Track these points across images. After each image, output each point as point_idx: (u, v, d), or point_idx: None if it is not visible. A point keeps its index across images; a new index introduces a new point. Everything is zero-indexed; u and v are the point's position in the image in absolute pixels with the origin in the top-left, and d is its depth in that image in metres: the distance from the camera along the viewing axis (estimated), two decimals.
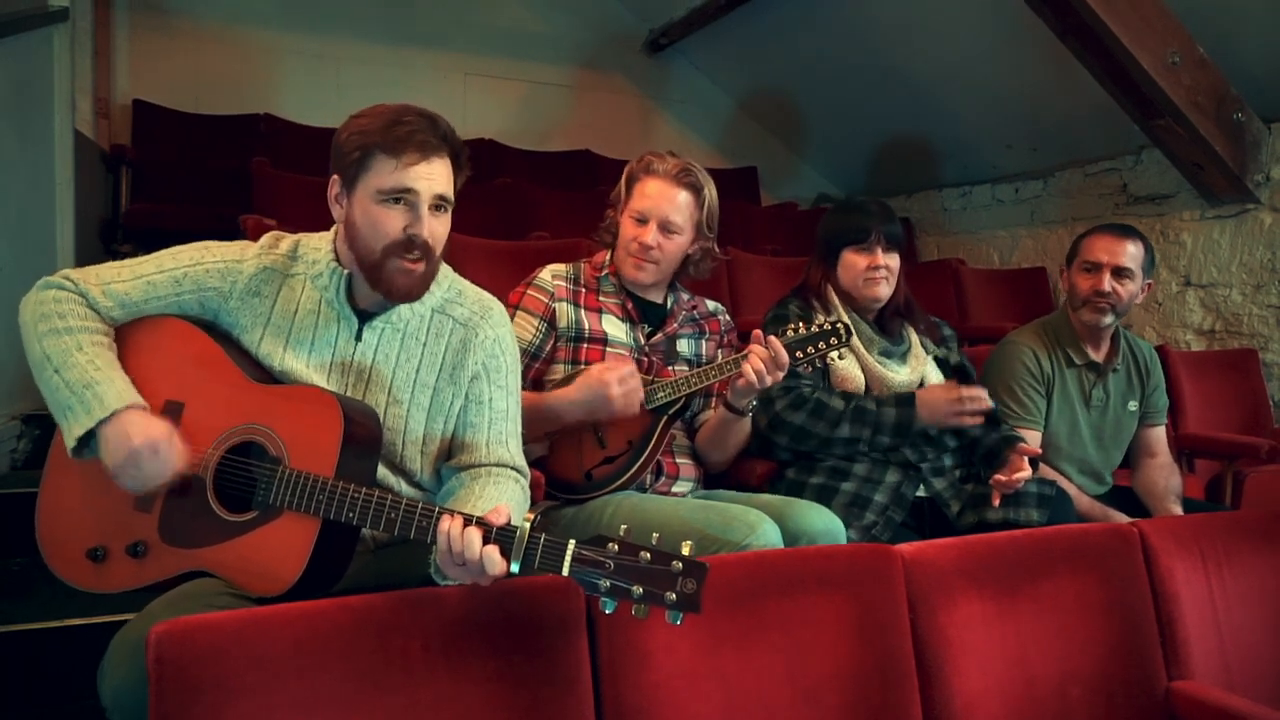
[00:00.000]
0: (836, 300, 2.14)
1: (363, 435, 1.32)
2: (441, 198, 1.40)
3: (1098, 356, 2.36)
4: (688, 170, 1.93)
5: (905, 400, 2.01)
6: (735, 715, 1.34)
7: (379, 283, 1.40)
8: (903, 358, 2.15)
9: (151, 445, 1.27)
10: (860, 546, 1.58)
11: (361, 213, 1.39)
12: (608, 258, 2.03)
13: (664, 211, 1.91)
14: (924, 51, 4.48)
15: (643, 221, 1.92)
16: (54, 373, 1.31)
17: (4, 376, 2.79)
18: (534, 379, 1.93)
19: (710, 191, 1.97)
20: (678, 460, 1.97)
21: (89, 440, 1.30)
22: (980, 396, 1.97)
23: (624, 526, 1.14)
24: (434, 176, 1.38)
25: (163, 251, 1.45)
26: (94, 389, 1.29)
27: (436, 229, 1.41)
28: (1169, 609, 1.67)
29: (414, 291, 1.42)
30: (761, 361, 1.74)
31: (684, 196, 1.92)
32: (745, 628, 1.37)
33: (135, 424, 1.28)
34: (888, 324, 2.17)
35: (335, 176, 1.42)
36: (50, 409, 1.33)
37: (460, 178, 1.45)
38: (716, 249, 2.05)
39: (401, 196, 1.37)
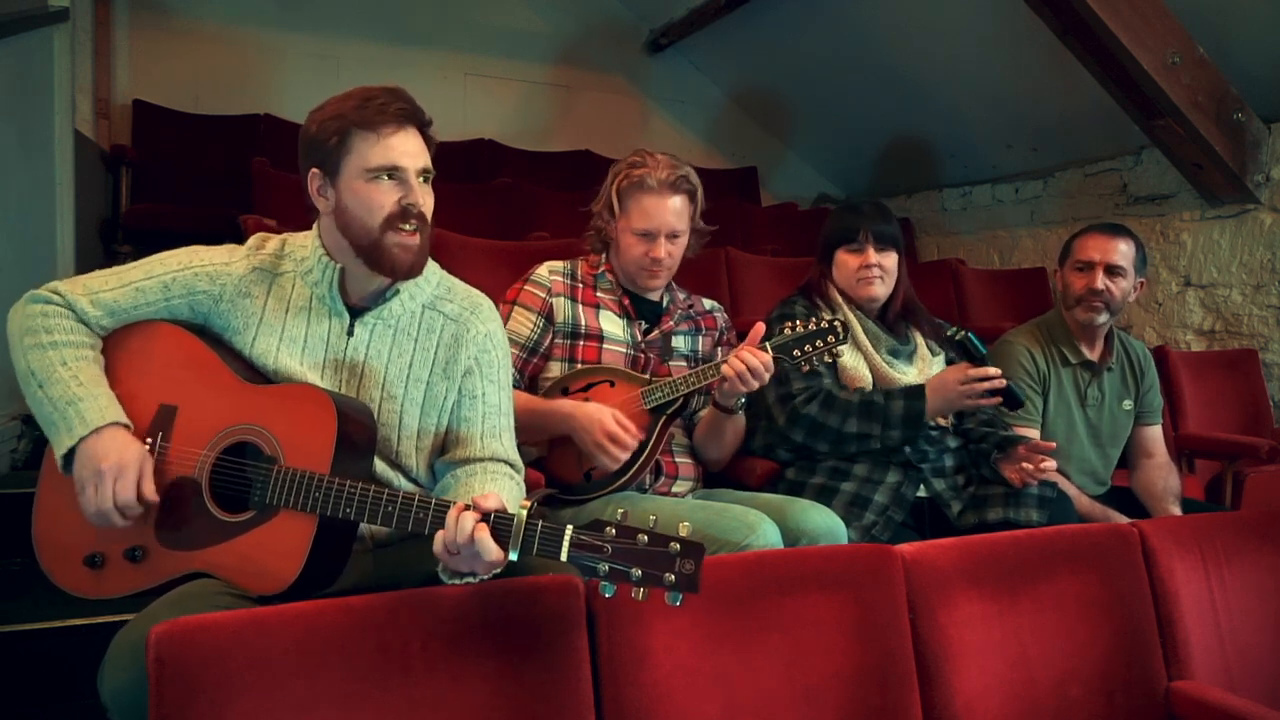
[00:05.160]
0: (840, 299, 2.15)
1: (357, 432, 1.32)
2: (426, 170, 1.42)
3: (1092, 355, 2.36)
4: (680, 177, 1.92)
5: (914, 393, 1.98)
6: (735, 715, 1.33)
7: (379, 262, 1.39)
8: (909, 358, 2.15)
9: (117, 469, 1.26)
10: (860, 546, 1.58)
11: (351, 194, 1.39)
12: (602, 258, 2.04)
13: (668, 224, 1.92)
14: (924, 51, 4.48)
15: (650, 237, 1.92)
16: (38, 388, 1.30)
17: (4, 376, 2.78)
18: (531, 375, 1.94)
19: (698, 185, 1.97)
20: (677, 460, 1.97)
21: (75, 457, 1.29)
22: (991, 373, 1.91)
23: (621, 510, 1.14)
24: (415, 149, 1.40)
25: (151, 257, 1.45)
26: (76, 406, 1.28)
27: (427, 199, 1.43)
28: (1169, 609, 1.67)
29: (414, 266, 1.42)
30: (743, 364, 1.74)
31: (679, 202, 1.93)
32: (745, 628, 1.37)
33: (110, 445, 1.27)
34: (893, 324, 2.17)
35: (314, 170, 1.41)
36: (39, 424, 1.33)
37: (431, 147, 1.46)
38: (704, 224, 2.03)
39: (390, 173, 1.38)
